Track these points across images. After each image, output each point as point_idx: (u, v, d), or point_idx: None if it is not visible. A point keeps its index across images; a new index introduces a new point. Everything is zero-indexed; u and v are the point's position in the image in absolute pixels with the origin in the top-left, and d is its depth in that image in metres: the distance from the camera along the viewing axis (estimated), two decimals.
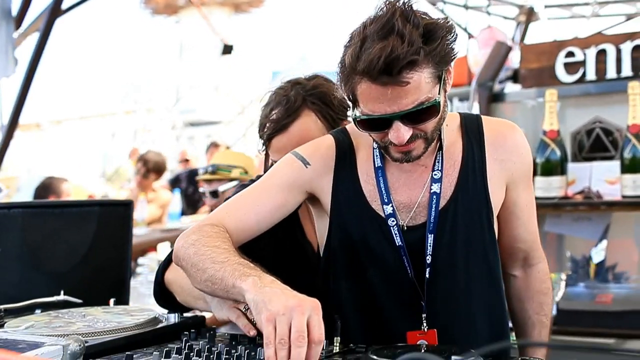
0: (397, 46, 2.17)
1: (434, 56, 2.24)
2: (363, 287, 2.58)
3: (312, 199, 2.66)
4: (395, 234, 2.51)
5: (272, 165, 2.88)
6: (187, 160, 12.36)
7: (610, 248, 4.50)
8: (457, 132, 2.61)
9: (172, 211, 8.85)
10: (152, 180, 9.24)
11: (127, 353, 2.19)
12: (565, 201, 4.20)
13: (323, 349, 2.18)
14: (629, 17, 6.62)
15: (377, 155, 2.57)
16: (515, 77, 5.43)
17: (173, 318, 2.61)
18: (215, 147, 10.65)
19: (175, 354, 2.19)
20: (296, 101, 2.88)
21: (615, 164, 4.11)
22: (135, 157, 9.52)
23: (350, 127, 2.65)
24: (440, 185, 2.52)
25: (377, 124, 2.34)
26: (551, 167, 4.18)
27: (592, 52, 4.62)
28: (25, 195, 8.08)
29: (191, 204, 9.87)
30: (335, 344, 2.33)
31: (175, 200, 8.99)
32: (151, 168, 9.05)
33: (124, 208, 3.39)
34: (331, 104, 2.89)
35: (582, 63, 4.62)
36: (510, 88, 5.38)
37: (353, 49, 2.27)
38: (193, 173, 10.57)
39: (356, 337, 2.47)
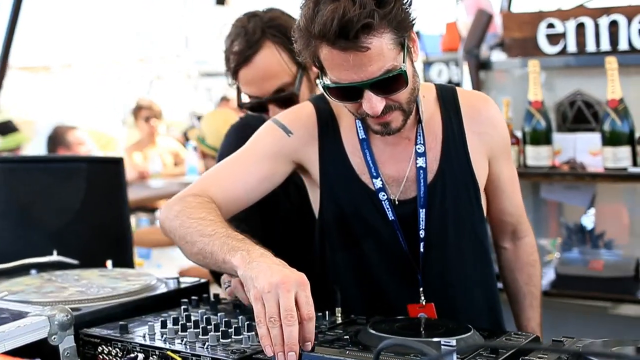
0: (349, 8, 2.11)
1: (390, 20, 2.17)
2: (359, 259, 2.55)
3: (302, 168, 2.62)
4: (387, 209, 2.49)
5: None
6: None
7: (599, 216, 4.59)
8: (435, 104, 2.58)
9: (190, 165, 8.73)
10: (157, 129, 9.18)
11: (121, 323, 2.12)
12: (553, 171, 4.24)
13: (326, 319, 2.24)
14: None
15: (360, 127, 2.54)
16: (503, 45, 5.38)
17: (172, 284, 2.53)
18: (226, 102, 10.52)
19: (173, 324, 2.10)
20: (255, 33, 2.87)
21: (597, 136, 4.12)
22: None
23: None
24: (425, 159, 2.50)
25: (348, 94, 2.29)
26: (538, 137, 4.21)
27: (571, 25, 4.59)
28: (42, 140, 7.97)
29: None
30: (337, 315, 2.31)
31: (191, 153, 8.87)
32: (154, 114, 8.99)
33: (115, 165, 3.31)
34: (291, 37, 2.82)
35: (563, 35, 4.58)
36: (498, 56, 5.35)
37: (306, 10, 2.22)
38: None
39: (356, 308, 2.43)
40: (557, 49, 4.55)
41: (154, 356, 1.98)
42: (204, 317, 2.18)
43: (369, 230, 2.52)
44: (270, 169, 2.53)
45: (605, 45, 4.53)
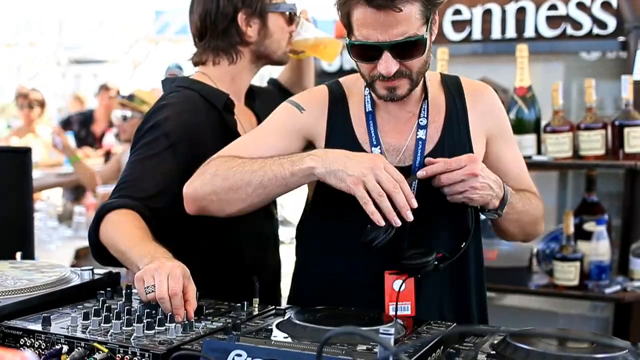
0: None
1: None
2: (347, 226, 2.64)
3: (311, 146, 2.76)
4: None
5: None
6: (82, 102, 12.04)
7: None
8: (439, 87, 2.78)
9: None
10: (37, 117, 9.09)
11: (43, 315, 2.14)
12: None
13: (243, 310, 2.41)
14: None
15: (367, 102, 2.72)
16: None
17: (87, 275, 2.56)
18: (106, 90, 10.43)
19: (94, 315, 2.14)
20: None
21: None
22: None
23: (343, 79, 2.84)
24: (426, 132, 2.67)
25: (368, 53, 2.50)
26: None
27: (478, 12, 4.71)
28: None
29: (83, 145, 9.69)
30: (254, 305, 2.44)
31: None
32: (35, 102, 8.91)
33: (22, 155, 3.28)
34: None
35: (469, 22, 4.69)
36: None
37: None
38: (86, 115, 10.39)
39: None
40: (461, 35, 4.65)
41: (79, 348, 2.00)
42: (125, 308, 2.22)
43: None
44: (286, 144, 2.71)
45: (511, 33, 4.66)
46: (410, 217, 2.36)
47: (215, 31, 3.02)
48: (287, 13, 3.11)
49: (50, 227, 6.65)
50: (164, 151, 2.81)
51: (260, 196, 2.57)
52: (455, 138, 2.69)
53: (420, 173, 2.45)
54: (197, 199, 2.64)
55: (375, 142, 2.65)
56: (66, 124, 10.07)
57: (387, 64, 2.47)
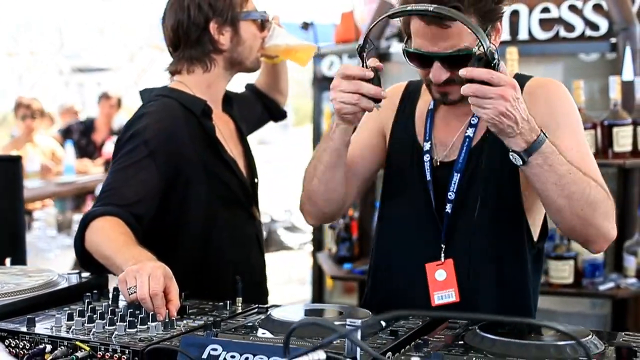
0: None
1: (479, 9, 2.54)
2: (395, 213, 2.89)
3: (384, 138, 2.97)
4: (427, 169, 2.78)
5: None
6: (75, 113, 11.97)
7: None
8: None
9: (67, 164, 8.68)
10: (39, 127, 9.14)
11: (28, 316, 2.20)
12: None
13: (226, 309, 2.49)
14: None
15: (432, 101, 2.85)
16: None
17: (75, 279, 2.63)
18: (107, 99, 10.50)
19: (78, 316, 2.21)
20: None
21: None
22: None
23: None
24: (475, 130, 2.76)
25: (421, 60, 2.64)
26: None
27: None
28: None
29: (84, 156, 9.72)
30: (237, 304, 2.53)
31: (69, 152, 8.83)
32: (37, 112, 8.94)
33: (13, 164, 3.37)
34: None
35: None
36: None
37: None
38: (87, 124, 10.44)
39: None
40: None
41: (62, 347, 2.06)
42: (109, 309, 2.29)
43: (406, 185, 2.85)
44: (370, 141, 2.95)
45: (505, 35, 4.73)
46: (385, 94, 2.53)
47: (188, 41, 3.09)
48: (259, 20, 3.18)
49: (49, 236, 6.72)
50: (144, 159, 2.88)
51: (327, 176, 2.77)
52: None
53: (462, 72, 2.40)
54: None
55: (427, 138, 2.81)
56: (66, 133, 10.11)
57: (437, 72, 2.60)
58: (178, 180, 2.95)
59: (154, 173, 2.88)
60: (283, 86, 3.74)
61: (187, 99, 3.06)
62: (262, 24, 3.20)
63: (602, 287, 4.53)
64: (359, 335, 1.80)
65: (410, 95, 2.96)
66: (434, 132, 2.82)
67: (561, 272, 4.54)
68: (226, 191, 3.09)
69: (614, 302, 4.79)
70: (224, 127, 3.18)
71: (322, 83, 6.75)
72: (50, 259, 6.07)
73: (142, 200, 2.85)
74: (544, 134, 2.43)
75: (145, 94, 3.16)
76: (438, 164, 2.77)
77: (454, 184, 2.72)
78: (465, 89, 2.36)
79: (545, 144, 2.42)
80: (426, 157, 2.78)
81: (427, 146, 2.80)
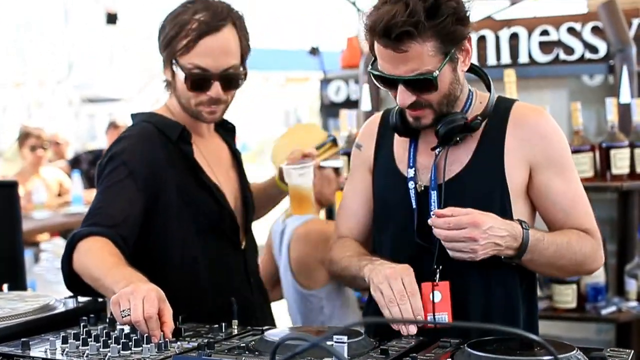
0: (400, 13, 2.47)
1: (438, 32, 2.53)
2: (387, 239, 2.90)
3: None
4: (412, 197, 2.78)
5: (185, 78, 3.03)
6: (57, 144, 11.76)
7: None
8: (483, 110, 2.76)
9: (75, 195, 8.67)
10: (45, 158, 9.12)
11: (22, 340, 2.23)
12: None
13: (222, 331, 2.53)
14: (513, 2, 6.77)
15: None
16: None
17: (72, 303, 2.67)
18: (115, 128, 10.44)
19: (73, 339, 2.25)
20: (222, 11, 3.04)
21: None
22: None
23: None
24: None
25: (386, 82, 2.66)
26: None
27: (473, 38, 4.78)
28: None
29: (93, 187, 9.64)
30: (233, 327, 2.57)
31: (76, 183, 8.82)
32: (42, 143, 8.92)
33: (9, 189, 3.43)
34: (247, 30, 3.11)
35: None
36: None
37: (376, 4, 2.58)
38: (96, 154, 10.44)
39: None
40: None
41: None
42: (104, 331, 2.33)
43: (393, 213, 2.86)
44: (365, 184, 2.98)
45: (506, 58, 4.78)
46: (412, 330, 2.47)
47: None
48: (189, 77, 3.06)
49: (57, 267, 6.72)
50: (126, 178, 2.92)
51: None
52: (487, 162, 2.73)
53: (430, 221, 2.56)
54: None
55: (411, 164, 2.80)
56: (75, 163, 10.12)
57: (402, 96, 2.63)
58: (158, 203, 2.98)
59: (135, 192, 2.92)
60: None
61: (165, 124, 3.09)
62: (193, 83, 3.06)
63: (604, 311, 4.54)
64: (345, 349, 1.84)
65: (386, 124, 2.92)
66: (417, 157, 2.82)
67: (565, 296, 4.55)
68: (204, 218, 3.08)
69: (618, 327, 4.80)
70: (210, 152, 3.20)
71: (329, 109, 6.79)
72: (59, 291, 6.04)
73: (127, 218, 2.87)
74: (523, 226, 2.60)
75: (135, 118, 3.21)
76: (422, 188, 2.77)
77: (434, 203, 2.72)
78: (437, 233, 2.54)
79: (530, 239, 2.59)
80: (410, 185, 2.78)
81: (411, 173, 2.79)
